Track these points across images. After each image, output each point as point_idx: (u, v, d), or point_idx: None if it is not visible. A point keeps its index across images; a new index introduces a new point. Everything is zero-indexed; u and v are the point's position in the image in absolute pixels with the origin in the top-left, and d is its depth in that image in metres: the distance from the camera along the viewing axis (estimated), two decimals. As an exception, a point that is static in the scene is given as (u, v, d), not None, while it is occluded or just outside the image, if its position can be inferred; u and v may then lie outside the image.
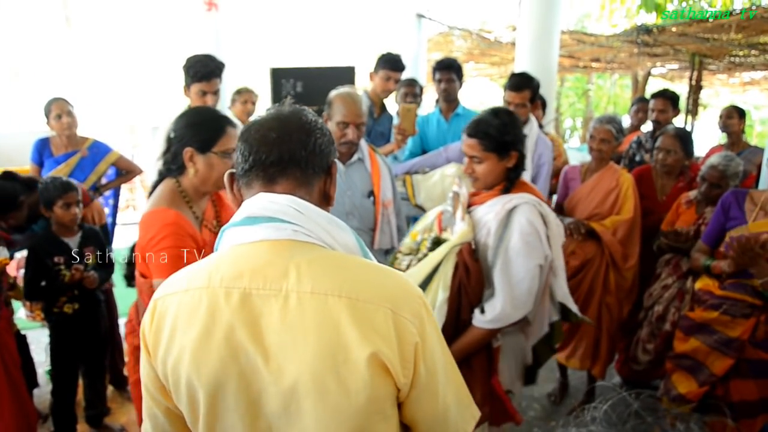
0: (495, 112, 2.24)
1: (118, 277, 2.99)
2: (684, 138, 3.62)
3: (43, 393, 3.65)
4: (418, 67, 7.74)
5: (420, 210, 3.32)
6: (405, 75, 4.14)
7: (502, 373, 2.30)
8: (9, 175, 3.20)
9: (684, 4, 10.92)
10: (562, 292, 2.36)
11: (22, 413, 2.94)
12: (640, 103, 5.62)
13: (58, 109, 4.00)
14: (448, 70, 4.06)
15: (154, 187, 2.10)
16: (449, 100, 4.08)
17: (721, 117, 5.06)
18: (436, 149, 3.64)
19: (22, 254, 3.74)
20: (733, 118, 4.93)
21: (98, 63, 12.88)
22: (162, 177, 2.10)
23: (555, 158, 4.37)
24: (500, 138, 2.19)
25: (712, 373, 2.75)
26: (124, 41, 13.39)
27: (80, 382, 3.35)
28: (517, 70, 5.28)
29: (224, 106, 5.38)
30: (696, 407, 2.84)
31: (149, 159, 3.55)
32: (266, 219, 1.10)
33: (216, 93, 3.25)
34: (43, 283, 3.07)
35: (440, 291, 2.18)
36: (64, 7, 11.40)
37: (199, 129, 2.01)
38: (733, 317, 2.69)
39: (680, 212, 3.46)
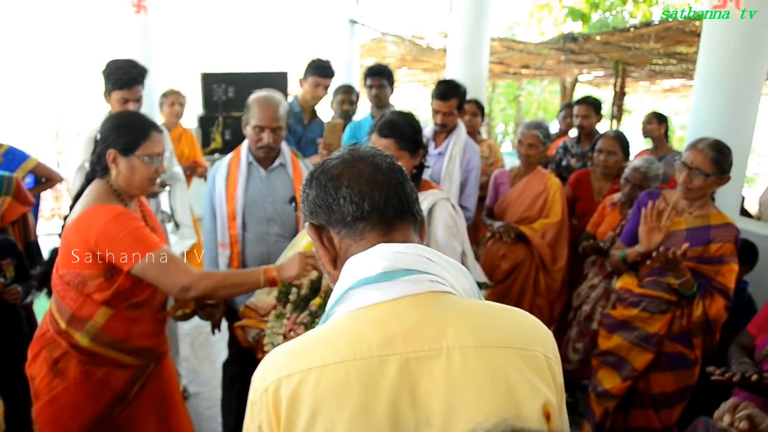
0: (402, 113, 2.41)
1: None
2: (623, 140, 3.80)
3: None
4: (351, 73, 7.76)
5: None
6: (339, 81, 4.15)
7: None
8: None
9: (607, 14, 11.37)
10: (476, 271, 2.59)
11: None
12: (568, 109, 5.78)
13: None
14: (379, 76, 4.11)
15: (82, 189, 2.12)
16: (381, 106, 4.13)
17: (643, 123, 5.25)
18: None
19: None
20: (653, 123, 5.13)
21: (20, 66, 12.35)
22: (89, 179, 2.13)
23: (492, 164, 4.47)
24: (414, 137, 2.34)
25: (634, 368, 2.86)
26: (50, 44, 12.89)
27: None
28: (449, 76, 5.38)
29: (152, 111, 5.25)
30: (620, 401, 2.95)
31: (71, 165, 3.41)
32: (403, 272, 1.01)
33: (138, 100, 3.13)
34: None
35: None
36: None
37: (124, 132, 2.05)
38: (652, 314, 2.81)
39: (605, 214, 3.59)
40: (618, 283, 3.04)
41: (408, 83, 12.99)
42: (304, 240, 2.49)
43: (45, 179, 4.15)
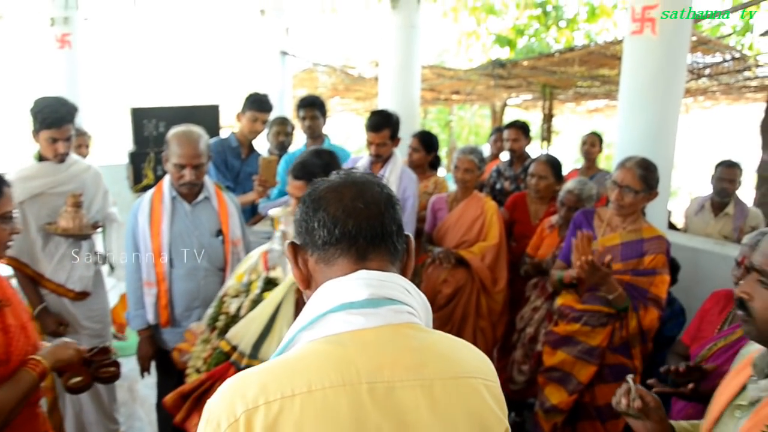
0: (317, 152, 2.39)
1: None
2: (554, 164, 3.88)
3: None
4: (284, 104, 7.74)
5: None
6: (272, 113, 4.14)
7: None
8: None
9: (533, 40, 11.80)
10: None
11: None
12: (498, 133, 5.92)
13: None
14: (311, 107, 4.15)
15: None
16: (314, 137, 4.16)
17: (584, 143, 5.33)
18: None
19: None
20: (596, 146, 5.29)
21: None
22: None
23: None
24: (326, 174, 2.31)
25: (579, 382, 2.93)
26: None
27: None
28: (381, 105, 5.44)
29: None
30: (568, 415, 3.00)
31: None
32: (387, 301, 1.02)
33: (68, 140, 2.99)
34: None
35: (286, 331, 2.19)
36: None
37: None
38: (593, 327, 2.89)
39: (544, 236, 3.68)
40: (559, 300, 3.12)
41: (341, 112, 13.04)
42: (241, 269, 2.47)
43: None
